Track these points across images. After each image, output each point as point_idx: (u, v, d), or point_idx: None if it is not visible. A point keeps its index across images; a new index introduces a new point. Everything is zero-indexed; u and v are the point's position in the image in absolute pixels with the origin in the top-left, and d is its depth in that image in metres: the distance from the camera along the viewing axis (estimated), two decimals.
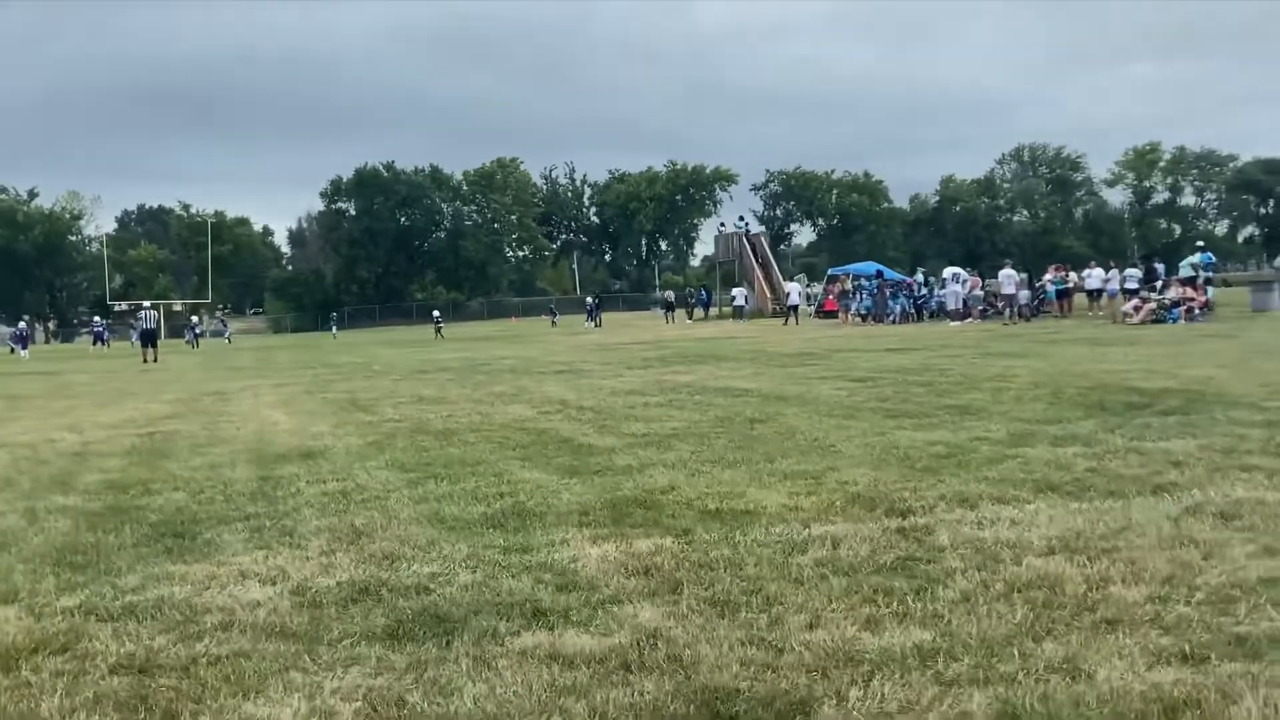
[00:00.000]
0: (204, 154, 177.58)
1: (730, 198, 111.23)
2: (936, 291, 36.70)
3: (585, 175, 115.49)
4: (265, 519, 6.19)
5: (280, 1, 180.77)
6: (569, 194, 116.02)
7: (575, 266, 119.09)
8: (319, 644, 3.95)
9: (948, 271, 35.99)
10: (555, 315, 64.11)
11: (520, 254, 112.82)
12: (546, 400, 12.75)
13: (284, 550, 5.39)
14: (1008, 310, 31.08)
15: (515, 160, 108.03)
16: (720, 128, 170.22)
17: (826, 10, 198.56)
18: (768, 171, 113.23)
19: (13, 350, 58.17)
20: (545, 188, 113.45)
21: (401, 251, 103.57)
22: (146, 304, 36.02)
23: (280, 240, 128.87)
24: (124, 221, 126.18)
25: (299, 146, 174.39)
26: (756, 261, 53.27)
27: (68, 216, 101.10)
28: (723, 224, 61.46)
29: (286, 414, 12.66)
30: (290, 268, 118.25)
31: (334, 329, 66.01)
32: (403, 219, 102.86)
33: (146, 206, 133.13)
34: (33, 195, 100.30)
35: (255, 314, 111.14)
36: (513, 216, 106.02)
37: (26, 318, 63.97)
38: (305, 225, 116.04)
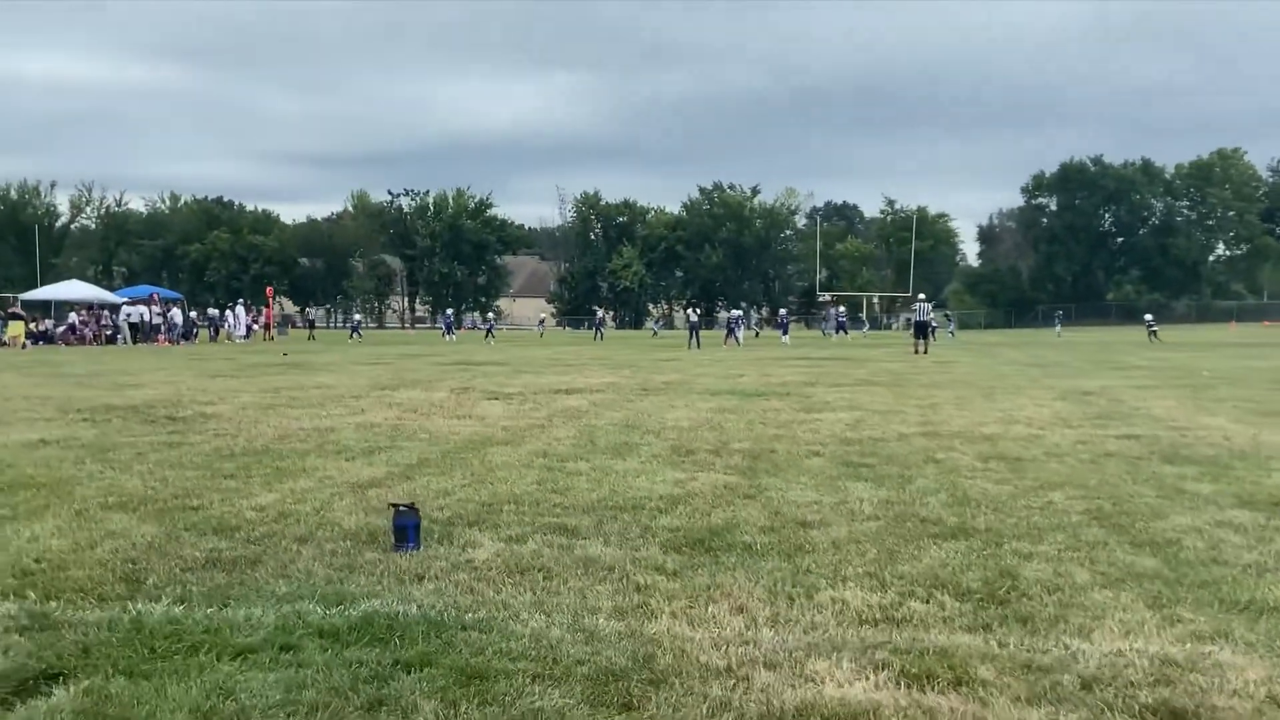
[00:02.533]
0: (887, 151, 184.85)
1: None
2: None
3: None
4: None
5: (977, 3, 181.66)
6: None
7: None
8: None
9: None
10: None
11: (1235, 252, 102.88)
12: None
13: None
14: None
15: (1238, 151, 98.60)
16: None
17: None
18: None
19: (755, 334, 64.81)
20: (1272, 180, 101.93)
21: (1102, 249, 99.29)
22: (921, 295, 38.21)
23: (961, 235, 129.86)
24: (811, 216, 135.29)
25: (984, 143, 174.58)
26: None
27: (785, 211, 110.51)
28: None
29: (1202, 413, 12.37)
30: (979, 264, 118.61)
31: (1058, 326, 65.70)
32: (1106, 215, 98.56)
33: (832, 202, 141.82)
34: (755, 192, 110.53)
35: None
36: (1230, 213, 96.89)
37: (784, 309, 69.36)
38: (997, 222, 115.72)
